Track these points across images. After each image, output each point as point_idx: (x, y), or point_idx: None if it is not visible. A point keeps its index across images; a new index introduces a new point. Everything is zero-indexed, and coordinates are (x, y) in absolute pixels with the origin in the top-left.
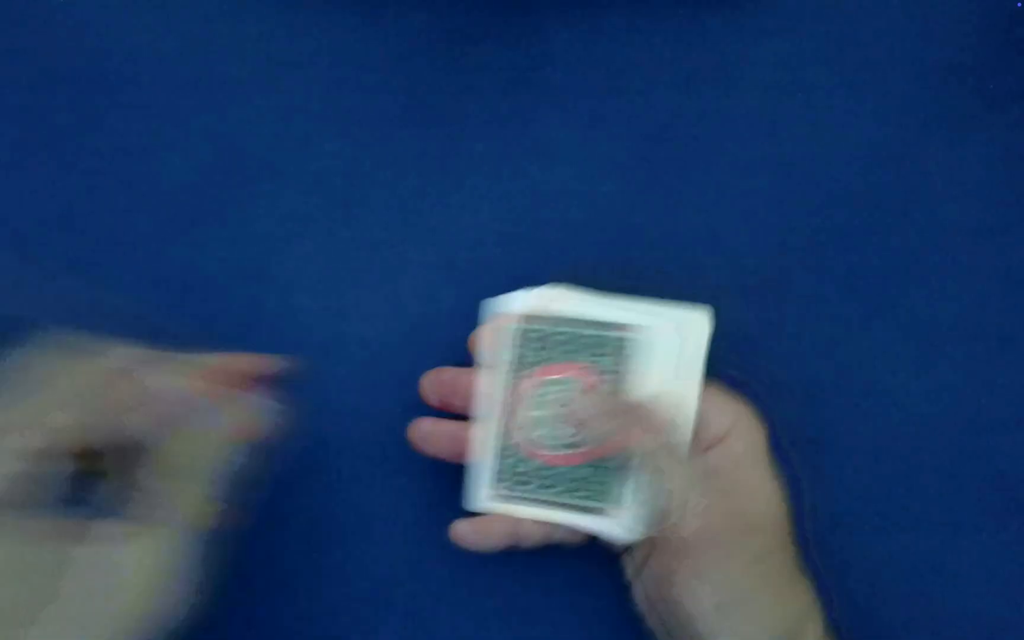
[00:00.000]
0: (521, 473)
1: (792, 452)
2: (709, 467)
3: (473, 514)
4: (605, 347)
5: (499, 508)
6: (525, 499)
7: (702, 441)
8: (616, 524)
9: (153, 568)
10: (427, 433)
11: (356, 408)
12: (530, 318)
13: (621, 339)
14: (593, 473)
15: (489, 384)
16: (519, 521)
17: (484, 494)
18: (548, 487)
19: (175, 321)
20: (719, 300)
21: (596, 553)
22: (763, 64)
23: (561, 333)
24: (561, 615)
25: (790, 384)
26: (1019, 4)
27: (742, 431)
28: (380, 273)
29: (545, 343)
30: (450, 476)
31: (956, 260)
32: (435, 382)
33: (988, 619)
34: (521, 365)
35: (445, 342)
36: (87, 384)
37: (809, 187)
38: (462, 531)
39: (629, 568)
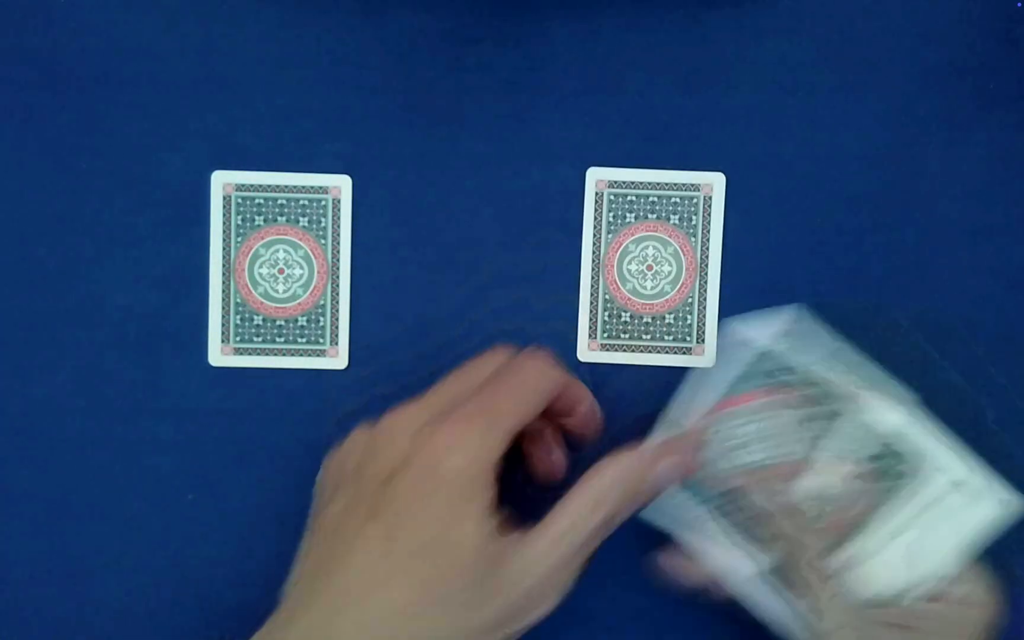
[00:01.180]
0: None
1: None
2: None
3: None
4: (899, 458)
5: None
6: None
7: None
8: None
9: None
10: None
11: (355, 409)
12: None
13: (918, 466)
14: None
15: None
16: (719, 575)
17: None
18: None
19: (175, 321)
20: (719, 300)
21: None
22: (763, 64)
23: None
24: (561, 615)
25: None
26: (1019, 4)
27: (960, 594)
28: (379, 273)
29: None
30: None
31: (956, 260)
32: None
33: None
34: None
35: (445, 342)
36: None
37: (809, 187)
38: (670, 561)
39: None
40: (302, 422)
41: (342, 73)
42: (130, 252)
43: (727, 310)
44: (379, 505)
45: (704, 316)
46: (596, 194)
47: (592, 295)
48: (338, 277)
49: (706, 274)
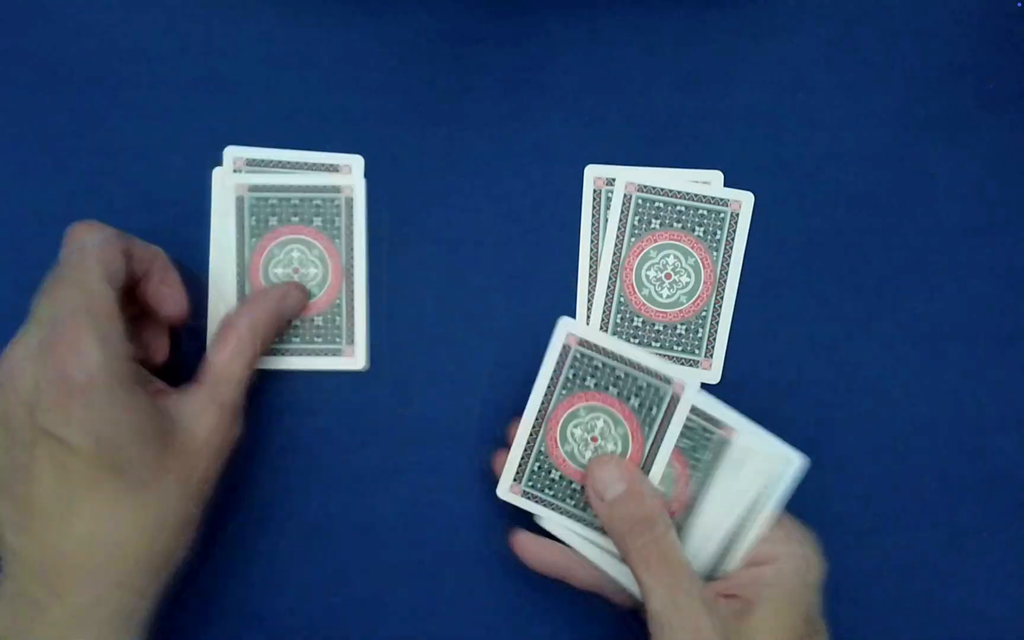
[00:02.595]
0: (547, 479)
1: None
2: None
3: (528, 526)
4: (704, 439)
5: (520, 502)
6: (545, 502)
7: (753, 556)
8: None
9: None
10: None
11: (354, 409)
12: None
13: (724, 440)
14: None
15: (540, 389)
16: (574, 560)
17: (510, 487)
18: (566, 498)
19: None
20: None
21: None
22: (763, 64)
23: (618, 371)
24: (561, 615)
25: (790, 384)
26: (1019, 4)
27: (786, 557)
28: (379, 273)
29: (596, 373)
30: (450, 478)
31: (956, 260)
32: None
33: (988, 619)
34: (576, 384)
35: (445, 342)
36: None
37: (809, 187)
38: (524, 543)
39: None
40: (314, 420)
41: (342, 73)
42: None
43: (736, 319)
44: (35, 439)
45: (716, 331)
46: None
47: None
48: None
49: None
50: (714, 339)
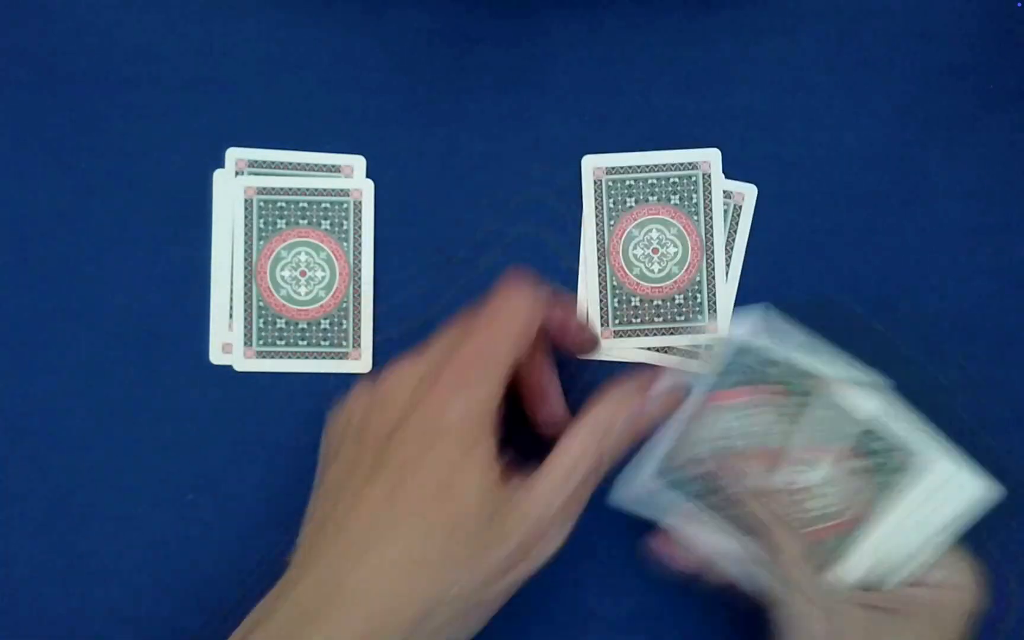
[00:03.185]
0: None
1: None
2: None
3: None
4: (891, 460)
5: (660, 492)
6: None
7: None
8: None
9: None
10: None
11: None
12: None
13: (908, 461)
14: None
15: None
16: (713, 559)
17: (651, 473)
18: (703, 496)
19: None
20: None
21: (600, 555)
22: (763, 64)
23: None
24: (563, 615)
25: None
26: (1019, 4)
27: (954, 585)
28: (380, 273)
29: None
30: None
31: (956, 260)
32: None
33: (988, 619)
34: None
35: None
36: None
37: (809, 187)
38: (661, 544)
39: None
40: (312, 423)
41: (342, 73)
42: (130, 252)
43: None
44: (382, 460)
45: (714, 292)
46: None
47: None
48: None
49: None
50: (714, 300)
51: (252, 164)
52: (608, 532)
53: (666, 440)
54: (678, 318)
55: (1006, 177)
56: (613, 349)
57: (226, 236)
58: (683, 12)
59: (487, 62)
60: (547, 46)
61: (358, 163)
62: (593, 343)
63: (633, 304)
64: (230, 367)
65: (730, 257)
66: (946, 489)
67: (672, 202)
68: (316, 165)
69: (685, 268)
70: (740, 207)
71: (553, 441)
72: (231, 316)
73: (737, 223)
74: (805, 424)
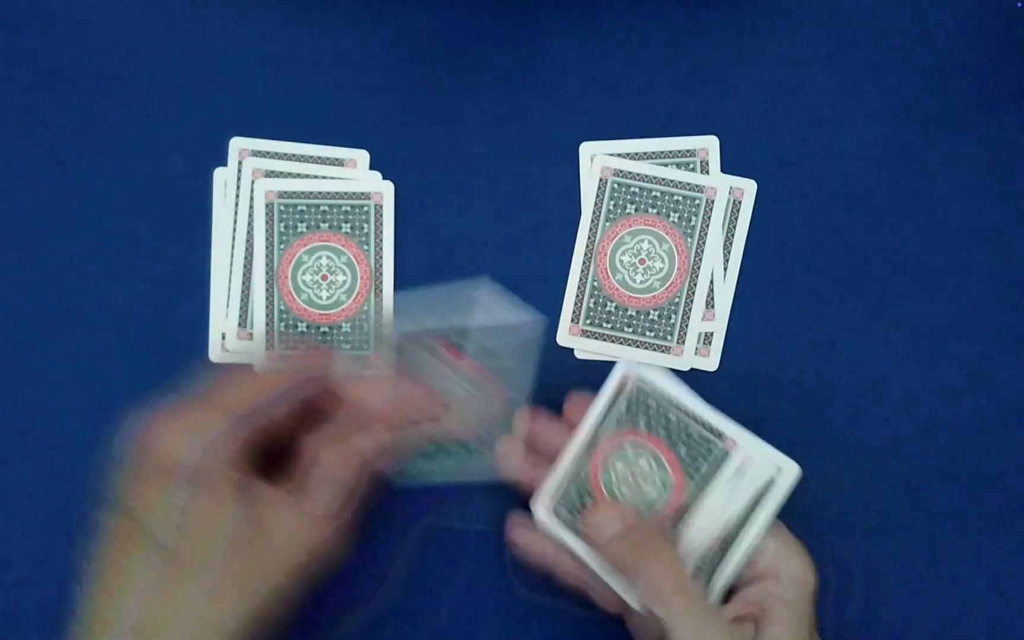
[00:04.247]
0: (581, 507)
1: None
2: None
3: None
4: (706, 450)
5: (552, 526)
6: (574, 531)
7: (755, 570)
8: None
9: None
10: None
11: None
12: (645, 384)
13: (724, 452)
14: None
15: (590, 423)
16: (563, 553)
17: (545, 506)
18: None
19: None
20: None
21: None
22: (763, 64)
23: (671, 414)
24: (560, 616)
25: (790, 384)
26: (1019, 4)
27: (788, 572)
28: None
29: (648, 414)
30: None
31: (956, 260)
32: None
33: (988, 619)
34: (621, 422)
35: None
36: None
37: (809, 187)
38: (519, 533)
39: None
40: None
41: (342, 72)
42: (130, 252)
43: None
44: (136, 507)
45: (688, 318)
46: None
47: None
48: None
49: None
50: (686, 326)
51: (256, 154)
52: None
53: (567, 468)
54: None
55: (1006, 177)
56: (576, 346)
57: (226, 235)
58: (683, 12)
59: (487, 62)
60: (547, 46)
61: (361, 157)
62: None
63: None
64: (230, 366)
65: (729, 251)
66: (749, 472)
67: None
68: (321, 158)
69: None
70: (740, 202)
71: None
72: (238, 315)
73: (737, 218)
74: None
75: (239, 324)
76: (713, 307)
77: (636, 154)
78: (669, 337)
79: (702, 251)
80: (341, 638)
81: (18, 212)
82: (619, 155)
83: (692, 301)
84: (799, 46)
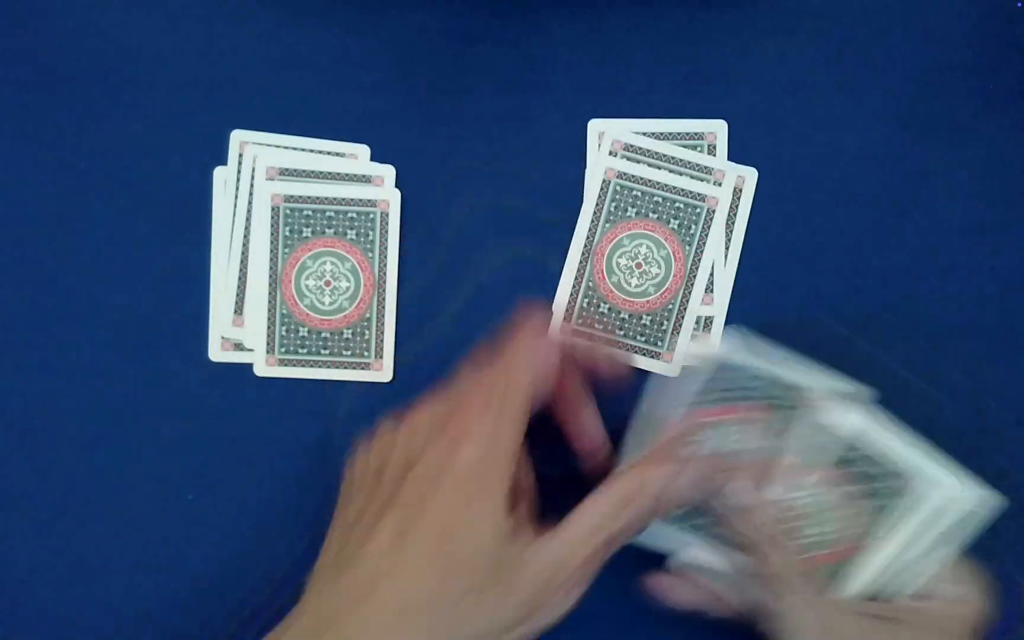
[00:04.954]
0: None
1: None
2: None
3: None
4: (883, 486)
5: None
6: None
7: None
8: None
9: None
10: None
11: (354, 409)
12: (291, 198)
13: (905, 484)
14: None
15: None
16: (713, 594)
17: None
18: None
19: (174, 321)
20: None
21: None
22: (763, 64)
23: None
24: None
25: None
26: (1019, 4)
27: (961, 601)
28: (417, 285)
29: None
30: None
31: (956, 260)
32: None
33: (998, 630)
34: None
35: (444, 344)
36: None
37: (809, 187)
38: (660, 583)
39: None
40: (311, 423)
41: (342, 73)
42: (130, 252)
43: (727, 309)
44: (393, 500)
45: (680, 326)
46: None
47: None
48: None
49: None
50: (678, 333)
51: (258, 146)
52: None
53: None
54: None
55: (1006, 177)
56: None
57: (227, 234)
58: (683, 12)
59: (487, 62)
60: (547, 46)
61: (362, 151)
62: (623, 372)
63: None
64: (230, 366)
65: (729, 241)
66: (946, 508)
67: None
68: (322, 151)
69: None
70: (740, 190)
71: (594, 478)
72: (243, 314)
73: (737, 206)
74: (791, 438)
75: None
76: (712, 292)
77: (645, 133)
78: (660, 343)
79: (699, 260)
80: None
81: (18, 212)
82: (627, 150)
83: (685, 309)
84: (799, 46)
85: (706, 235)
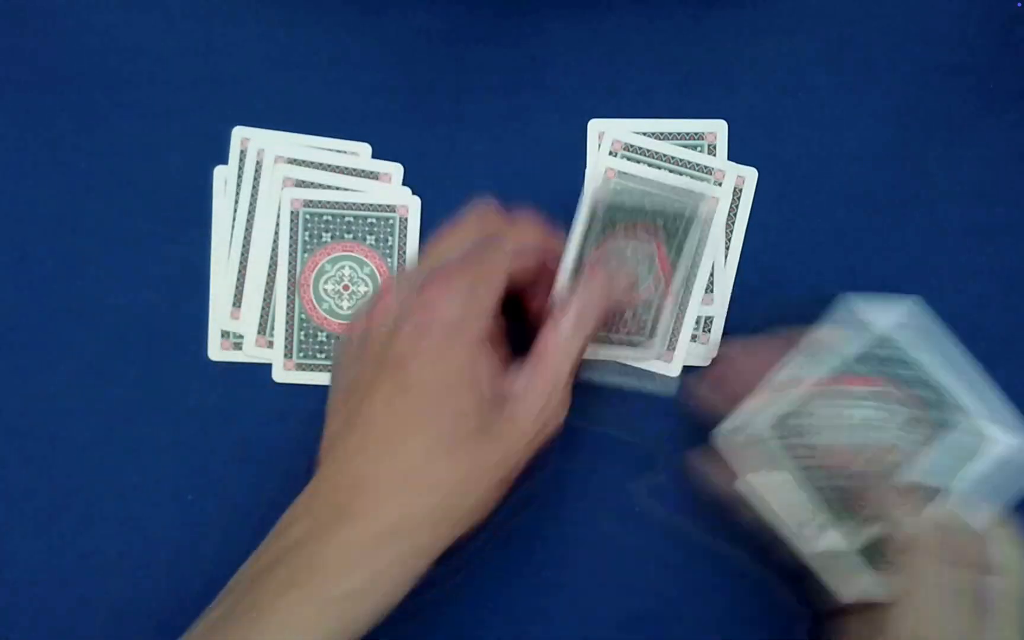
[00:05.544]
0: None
1: None
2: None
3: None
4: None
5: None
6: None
7: (987, 560)
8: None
9: None
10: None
11: None
12: (311, 203)
13: (980, 439)
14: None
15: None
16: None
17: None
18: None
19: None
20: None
21: (603, 560)
22: (763, 64)
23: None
24: (561, 614)
25: None
26: (1019, 4)
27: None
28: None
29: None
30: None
31: (956, 260)
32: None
33: None
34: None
35: None
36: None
37: (809, 187)
38: (700, 460)
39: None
40: (311, 423)
41: (342, 73)
42: (130, 252)
43: (727, 309)
44: (384, 361)
45: (658, 318)
46: (604, 181)
47: (573, 270)
48: None
49: (672, 277)
50: (655, 326)
51: (264, 141)
52: (617, 529)
53: (788, 401)
54: (620, 330)
55: (1006, 177)
56: None
57: (226, 233)
58: (683, 12)
59: (487, 62)
60: (547, 46)
61: (363, 150)
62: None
63: None
64: (231, 366)
65: (729, 241)
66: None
67: (657, 222)
68: (326, 150)
69: (644, 287)
70: (740, 190)
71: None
72: (258, 322)
73: (737, 206)
74: (937, 450)
75: (258, 331)
76: (712, 292)
77: (645, 133)
78: (640, 336)
79: (679, 255)
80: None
81: (18, 212)
82: (627, 150)
83: (663, 303)
84: (799, 46)
85: (685, 237)
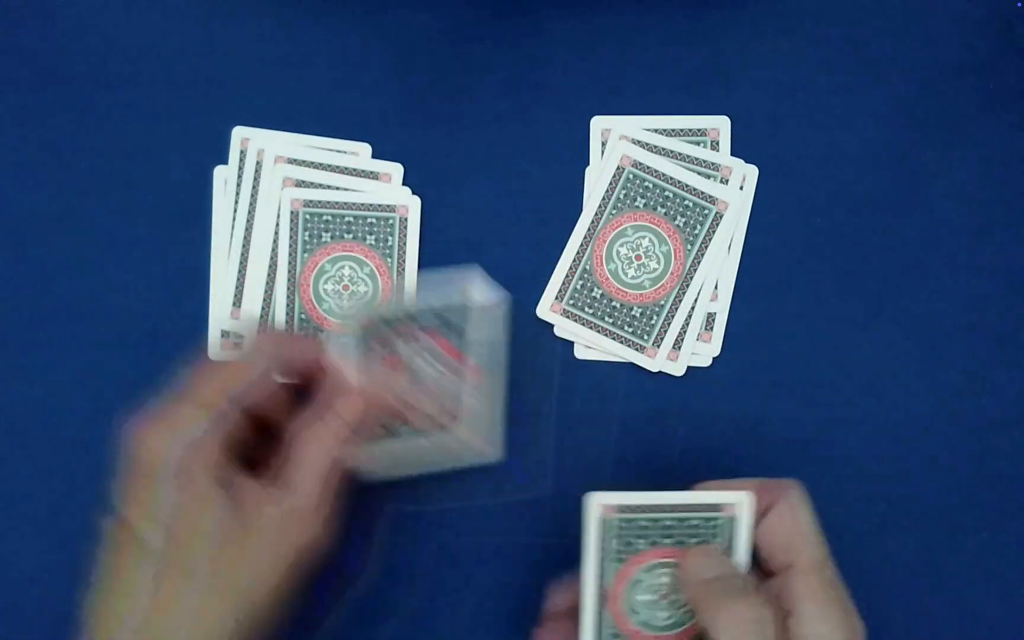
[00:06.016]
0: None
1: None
2: None
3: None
4: (716, 527)
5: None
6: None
7: (795, 632)
8: None
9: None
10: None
11: None
12: (625, 508)
13: (731, 518)
14: None
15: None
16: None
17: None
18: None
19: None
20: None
21: None
22: (763, 64)
23: (663, 518)
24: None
25: (790, 384)
26: (1019, 4)
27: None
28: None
29: (644, 532)
30: (446, 477)
31: (956, 260)
32: None
33: (988, 619)
34: (619, 553)
35: None
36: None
37: (809, 187)
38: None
39: None
40: None
41: (343, 73)
42: (130, 252)
43: (733, 318)
44: (127, 512)
45: (669, 324)
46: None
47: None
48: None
49: (688, 283)
50: (665, 331)
51: (265, 139)
52: None
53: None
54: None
55: (1006, 177)
56: (556, 323)
57: (227, 233)
58: (683, 12)
59: (487, 62)
60: (547, 46)
61: (363, 150)
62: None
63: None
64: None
65: (731, 240)
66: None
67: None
68: (327, 150)
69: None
70: (742, 188)
71: None
72: (257, 322)
73: (738, 205)
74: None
75: (258, 331)
76: (716, 288)
77: (648, 128)
78: (646, 337)
79: (699, 262)
80: (328, 629)
81: (18, 212)
82: (633, 139)
83: (677, 309)
84: (799, 46)
85: (710, 238)
